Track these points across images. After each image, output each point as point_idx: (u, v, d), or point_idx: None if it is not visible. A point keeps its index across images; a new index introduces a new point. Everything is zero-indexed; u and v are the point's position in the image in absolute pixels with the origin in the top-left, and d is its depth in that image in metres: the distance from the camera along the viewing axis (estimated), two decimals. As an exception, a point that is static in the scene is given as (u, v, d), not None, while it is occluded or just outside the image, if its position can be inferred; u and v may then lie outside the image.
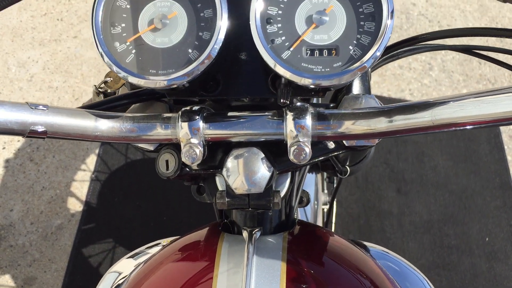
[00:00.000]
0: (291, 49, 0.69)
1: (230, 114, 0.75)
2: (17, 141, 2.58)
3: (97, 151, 2.65)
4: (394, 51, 0.96)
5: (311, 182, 1.62)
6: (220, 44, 0.68)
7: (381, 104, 0.78)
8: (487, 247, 2.50)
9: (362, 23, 0.68)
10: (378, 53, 0.67)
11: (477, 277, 2.44)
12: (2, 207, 2.45)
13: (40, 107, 0.68)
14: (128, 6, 0.72)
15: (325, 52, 0.69)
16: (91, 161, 2.60)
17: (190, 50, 0.70)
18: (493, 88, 0.62)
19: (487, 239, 2.52)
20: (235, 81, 0.76)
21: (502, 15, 3.39)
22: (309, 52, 0.69)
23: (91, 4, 0.74)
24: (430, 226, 2.54)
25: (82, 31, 2.92)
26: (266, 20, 0.70)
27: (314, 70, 0.68)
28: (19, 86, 2.73)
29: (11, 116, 0.66)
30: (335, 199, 1.68)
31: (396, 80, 3.06)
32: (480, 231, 2.54)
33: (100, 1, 0.72)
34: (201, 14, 0.71)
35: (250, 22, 0.69)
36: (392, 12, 0.67)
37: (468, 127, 0.63)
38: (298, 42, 0.69)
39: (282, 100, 0.69)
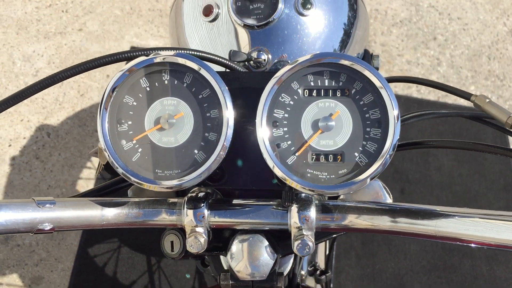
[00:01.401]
0: (297, 154, 0.69)
1: (235, 202, 0.75)
2: (23, 139, 2.59)
3: (102, 148, 2.63)
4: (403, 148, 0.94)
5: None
6: (227, 150, 0.68)
7: (386, 189, 0.78)
8: (487, 250, 2.52)
9: (368, 129, 0.68)
10: (389, 157, 0.67)
11: (477, 279, 2.47)
12: (9, 205, 2.46)
13: (47, 204, 0.69)
14: (135, 103, 0.72)
15: (331, 157, 0.68)
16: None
17: (196, 151, 0.70)
18: (500, 212, 0.62)
19: (488, 241, 2.54)
20: (240, 172, 0.76)
21: (514, 8, 3.33)
22: (314, 157, 0.69)
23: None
24: (432, 228, 2.55)
25: (87, 24, 2.88)
26: (272, 123, 0.69)
27: (319, 176, 0.68)
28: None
29: (18, 216, 0.66)
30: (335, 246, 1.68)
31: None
32: (482, 234, 2.56)
33: (107, 97, 0.71)
34: (207, 114, 0.70)
35: (256, 125, 0.68)
36: (398, 116, 0.67)
37: (471, 245, 0.63)
38: (304, 147, 0.68)
39: (286, 203, 0.69)
